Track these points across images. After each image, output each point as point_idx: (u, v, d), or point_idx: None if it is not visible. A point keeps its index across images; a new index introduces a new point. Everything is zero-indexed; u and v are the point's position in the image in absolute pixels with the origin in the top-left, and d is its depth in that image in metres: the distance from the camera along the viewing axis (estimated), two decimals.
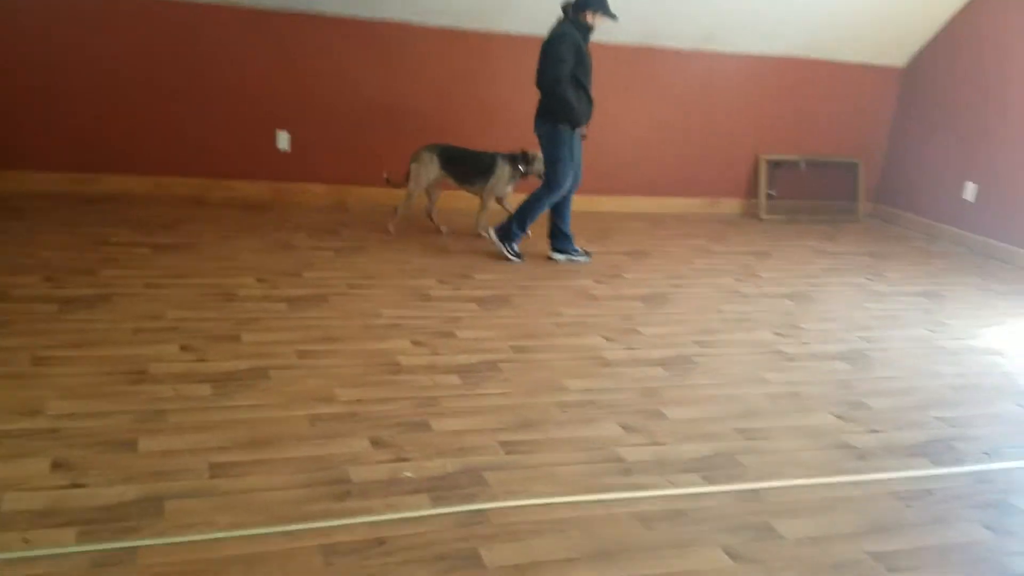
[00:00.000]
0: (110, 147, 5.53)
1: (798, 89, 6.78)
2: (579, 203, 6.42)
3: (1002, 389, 3.72)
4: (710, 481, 2.72)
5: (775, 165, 6.94)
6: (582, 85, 4.73)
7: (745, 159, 6.88)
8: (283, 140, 5.84)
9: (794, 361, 3.84)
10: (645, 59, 6.28)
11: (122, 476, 2.44)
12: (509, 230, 5.00)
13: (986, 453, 3.09)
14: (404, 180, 5.30)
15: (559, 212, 5.07)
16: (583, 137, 4.99)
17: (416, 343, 3.64)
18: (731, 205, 6.99)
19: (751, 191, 6.98)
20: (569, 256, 5.11)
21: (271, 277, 4.30)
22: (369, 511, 2.38)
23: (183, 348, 3.35)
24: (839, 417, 3.29)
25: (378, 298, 4.16)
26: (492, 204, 5.38)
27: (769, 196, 6.94)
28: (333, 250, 4.88)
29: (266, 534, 2.24)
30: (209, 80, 5.60)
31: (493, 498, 2.50)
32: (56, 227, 4.76)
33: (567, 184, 4.92)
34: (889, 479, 2.84)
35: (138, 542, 2.15)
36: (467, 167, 5.26)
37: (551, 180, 4.90)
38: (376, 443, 2.76)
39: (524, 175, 5.26)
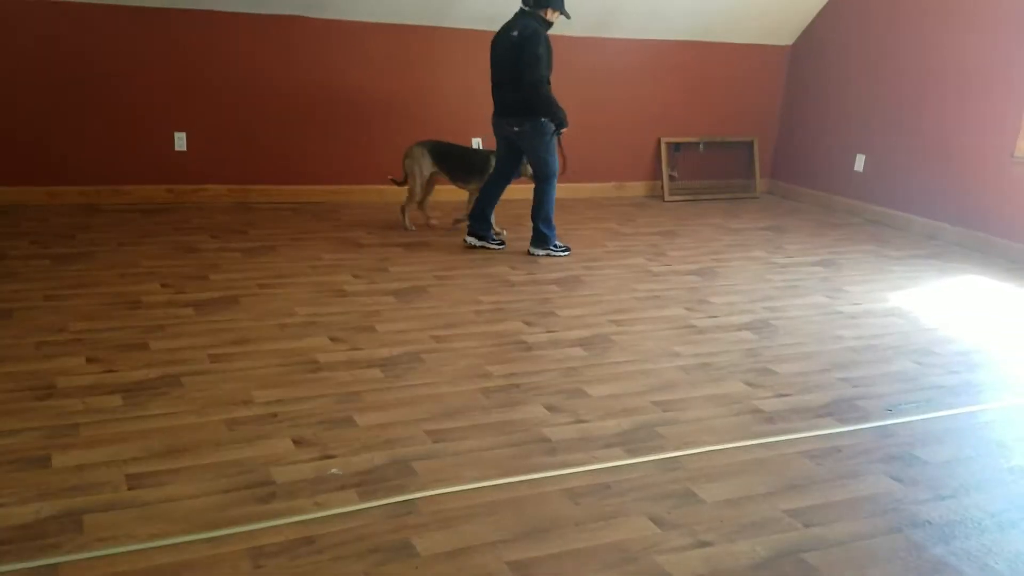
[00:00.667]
0: None
1: (693, 72, 6.98)
2: (509, 190, 6.46)
3: (899, 348, 3.93)
4: (632, 453, 2.79)
5: (676, 147, 7.13)
6: (548, 80, 4.79)
7: (647, 143, 7.04)
8: (180, 141, 5.66)
9: (704, 334, 3.97)
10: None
11: (37, 493, 2.34)
12: (541, 236, 5.02)
13: (888, 409, 3.27)
14: (405, 178, 5.31)
15: (489, 196, 5.10)
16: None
17: (334, 339, 3.60)
18: (636, 188, 7.15)
19: (655, 173, 7.15)
20: (484, 243, 5.14)
21: (176, 282, 4.18)
22: (296, 511, 2.35)
23: (89, 360, 3.22)
24: (749, 384, 3.42)
25: (291, 297, 4.09)
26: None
27: (671, 178, 7.12)
28: (240, 251, 4.78)
29: (190, 542, 2.19)
30: (99, 84, 5.38)
31: (422, 487, 2.51)
32: None
33: (557, 170, 4.96)
34: (799, 439, 2.97)
35: (59, 559, 2.08)
36: (460, 164, 5.29)
37: (544, 173, 4.94)
38: (299, 442, 2.72)
39: (517, 176, 5.25)
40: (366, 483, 2.51)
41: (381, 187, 6.22)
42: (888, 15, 6.40)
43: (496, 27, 6.09)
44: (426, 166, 5.27)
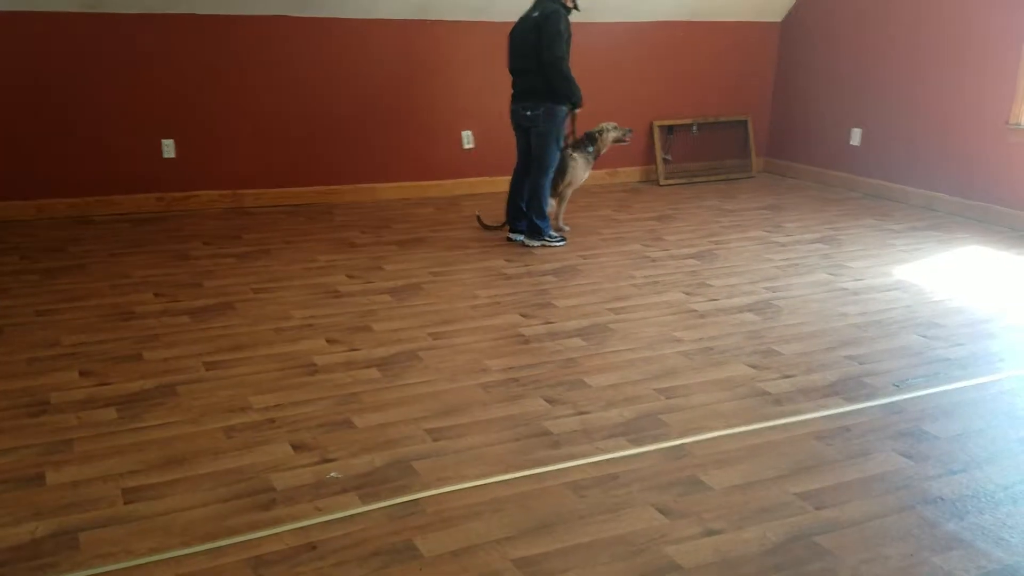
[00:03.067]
0: None
1: (683, 53, 6.90)
2: (486, 183, 6.43)
3: (904, 323, 3.88)
4: (636, 443, 2.75)
5: (668, 130, 7.06)
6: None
7: (640, 127, 6.96)
8: (168, 148, 5.61)
9: (705, 318, 3.92)
10: None
11: (32, 512, 2.30)
12: (536, 227, 4.97)
13: (896, 385, 3.22)
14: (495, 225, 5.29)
15: (519, 189, 5.05)
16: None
17: (331, 341, 3.55)
18: (630, 174, 7.08)
19: (648, 158, 7.08)
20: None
21: (169, 290, 4.13)
22: (297, 517, 2.31)
23: (83, 373, 3.18)
24: (753, 367, 3.37)
25: (287, 300, 4.04)
26: (569, 195, 5.36)
27: (666, 161, 7.06)
28: (234, 256, 4.72)
29: (189, 554, 2.15)
30: (83, 94, 5.32)
31: (424, 487, 2.47)
32: None
33: (556, 161, 4.95)
34: (807, 420, 2.93)
35: None
36: None
37: (544, 162, 4.90)
38: (298, 447, 2.68)
39: (597, 155, 5.30)
40: (367, 485, 2.47)
41: (373, 185, 6.18)
42: None
43: (481, 17, 6.06)
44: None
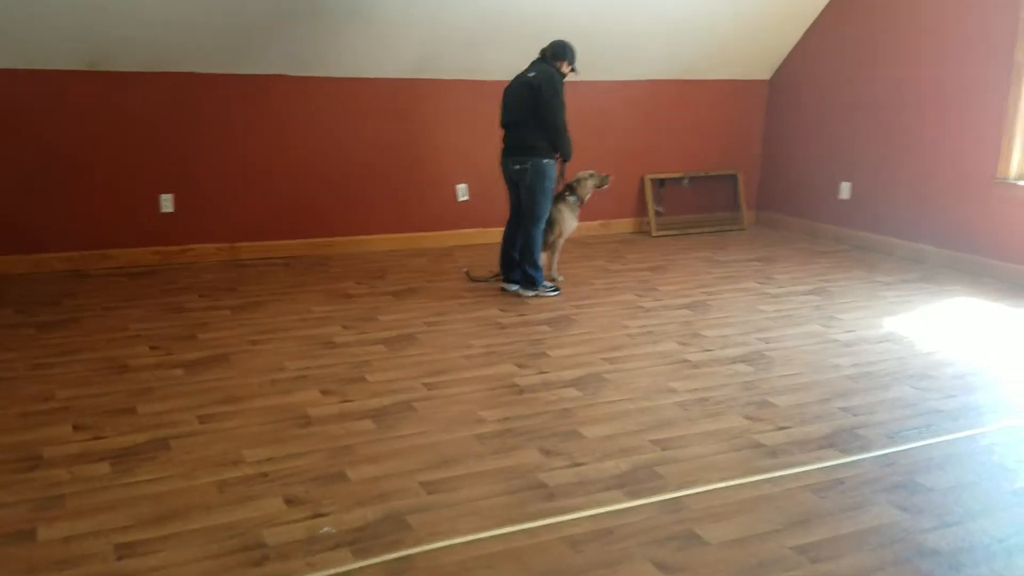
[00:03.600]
0: None
1: (674, 109, 7.03)
2: (480, 234, 6.49)
3: (897, 374, 3.90)
4: (632, 496, 2.74)
5: (660, 183, 7.16)
6: None
7: (632, 180, 7.06)
8: (166, 203, 5.66)
9: (699, 368, 3.94)
10: None
11: (24, 569, 2.28)
12: (530, 277, 5.05)
13: (889, 437, 3.23)
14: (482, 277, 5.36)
15: (512, 240, 5.14)
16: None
17: (325, 392, 3.55)
18: (623, 225, 7.16)
19: (641, 210, 7.16)
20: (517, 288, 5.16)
21: (164, 343, 4.14)
22: (289, 573, 2.29)
23: (76, 427, 3.17)
24: (748, 418, 3.38)
25: (281, 351, 4.05)
26: (561, 244, 5.43)
27: (658, 213, 7.14)
28: (229, 308, 4.74)
29: None
30: (80, 149, 5.38)
31: (418, 542, 2.45)
32: None
33: (547, 214, 5.05)
34: (802, 473, 2.93)
35: None
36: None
37: (535, 213, 5.00)
38: (290, 501, 2.66)
39: (582, 202, 5.38)
40: (360, 540, 2.45)
41: (368, 237, 6.23)
42: (864, 45, 6.48)
43: (475, 76, 6.19)
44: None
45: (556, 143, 4.90)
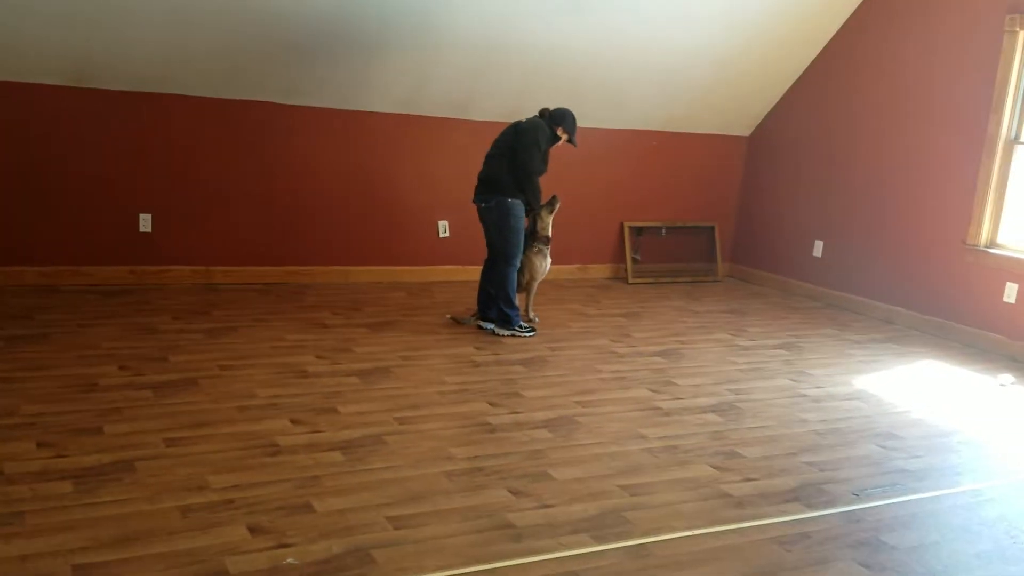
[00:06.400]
0: None
1: (655, 160, 7.15)
2: (460, 271, 6.51)
3: (863, 432, 3.95)
4: (599, 540, 2.74)
5: (638, 232, 7.25)
6: (540, 173, 5.07)
7: (611, 227, 7.15)
8: (145, 222, 5.63)
9: (670, 416, 3.96)
10: None
11: None
12: (505, 316, 5.08)
13: (855, 494, 3.26)
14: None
15: (489, 280, 5.17)
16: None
17: (295, 422, 3.53)
18: (600, 270, 7.22)
19: (618, 256, 7.24)
20: (487, 325, 5.20)
21: (134, 364, 4.09)
22: None
23: (40, 444, 3.11)
24: (716, 468, 3.40)
25: (252, 378, 4.02)
26: (535, 287, 5.46)
27: (635, 260, 7.22)
28: (202, 332, 4.70)
29: None
30: (61, 165, 5.35)
31: None
32: None
33: (519, 252, 5.10)
34: (768, 525, 2.94)
35: None
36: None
37: (506, 252, 5.05)
38: (255, 530, 2.63)
39: (547, 241, 5.38)
40: (324, 573, 2.43)
41: (347, 268, 6.23)
42: (841, 108, 6.66)
43: (462, 115, 6.27)
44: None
45: (523, 185, 4.97)
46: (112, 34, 4.98)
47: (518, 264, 5.13)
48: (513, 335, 5.07)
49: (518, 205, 5.02)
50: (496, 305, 5.11)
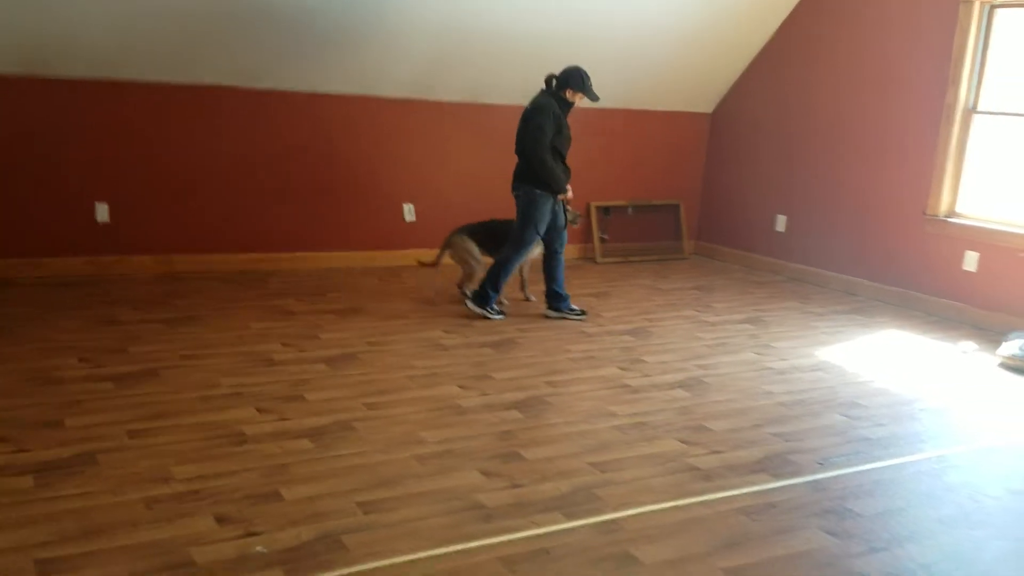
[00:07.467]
0: None
1: (620, 138, 7.15)
2: (423, 256, 6.46)
3: (827, 403, 4.00)
4: (570, 517, 2.74)
5: (605, 211, 7.25)
6: (559, 153, 4.92)
7: (577, 207, 7.14)
8: (102, 212, 5.52)
9: (639, 393, 3.98)
10: (471, 115, 6.44)
11: None
12: (484, 294, 5.05)
13: (820, 463, 3.30)
14: (436, 261, 5.39)
15: (551, 274, 5.20)
16: (568, 204, 5.23)
17: (261, 410, 3.49)
18: (569, 251, 7.17)
19: (586, 236, 7.24)
20: (562, 313, 5.21)
21: (94, 355, 4.02)
22: None
23: (0, 439, 3.05)
24: (683, 442, 3.42)
25: (216, 368, 3.96)
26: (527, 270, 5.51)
27: (602, 240, 7.23)
28: (163, 322, 4.63)
29: None
30: (13, 155, 5.22)
31: (353, 562, 2.41)
32: None
33: (532, 244, 5.05)
34: (734, 496, 2.97)
35: None
36: (496, 239, 5.28)
37: (519, 240, 5.01)
38: (222, 520, 2.60)
39: (560, 238, 5.29)
40: (292, 560, 2.41)
41: (311, 254, 6.16)
42: (803, 83, 6.70)
43: (423, 94, 6.21)
44: (474, 249, 5.32)
45: (537, 173, 4.87)
46: (62, 19, 4.85)
47: (524, 256, 5.10)
48: (484, 316, 5.05)
49: (544, 196, 4.93)
50: (485, 280, 5.08)
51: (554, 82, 4.91)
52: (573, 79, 4.86)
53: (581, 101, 4.97)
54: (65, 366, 3.85)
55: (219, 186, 5.80)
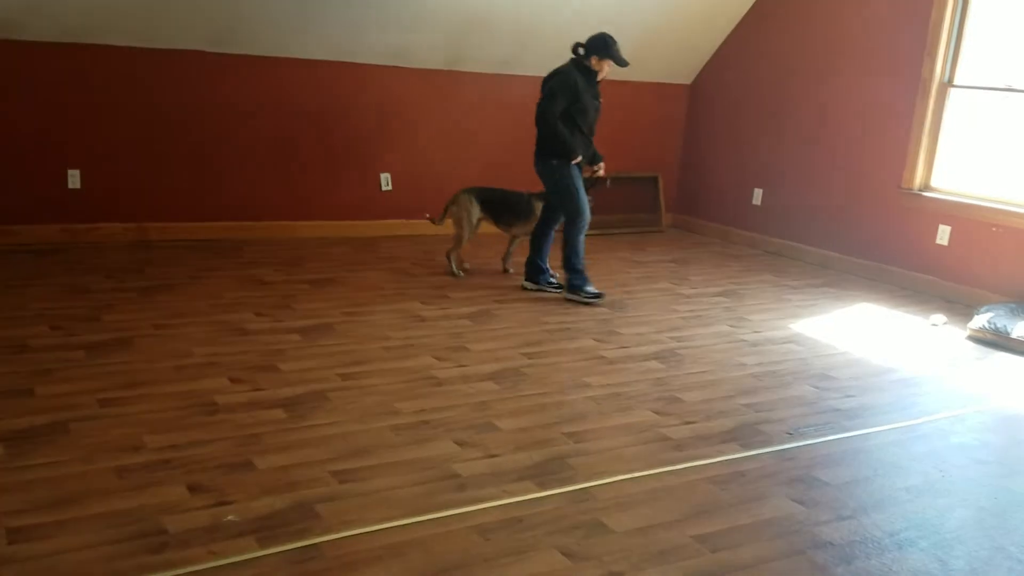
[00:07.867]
0: None
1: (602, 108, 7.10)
2: (400, 226, 6.43)
3: (798, 374, 4.05)
4: (543, 486, 2.77)
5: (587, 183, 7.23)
6: (576, 123, 4.84)
7: None
8: (74, 179, 5.43)
9: (614, 364, 4.01)
10: (449, 83, 6.38)
11: None
12: (571, 282, 5.00)
13: (789, 433, 3.35)
14: (442, 217, 5.35)
15: (536, 244, 5.18)
16: (598, 178, 5.22)
17: (234, 380, 3.47)
18: None
19: None
20: (539, 287, 5.20)
21: (66, 323, 3.98)
22: (189, 561, 2.23)
23: None
24: (657, 413, 3.46)
25: (189, 337, 3.94)
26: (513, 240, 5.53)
27: None
28: (136, 290, 4.59)
29: None
30: None
31: (326, 531, 2.43)
32: None
33: (585, 211, 4.97)
34: (705, 465, 3.01)
35: None
36: (504, 208, 5.31)
37: (571, 213, 4.97)
38: (194, 489, 2.60)
39: (544, 198, 5.30)
40: (265, 528, 2.41)
41: (286, 223, 6.12)
42: (781, 55, 6.69)
43: (400, 62, 6.15)
44: (475, 212, 5.28)
45: (548, 141, 4.82)
46: None
47: (582, 225, 4.97)
48: (585, 303, 4.95)
49: (563, 164, 4.86)
50: (566, 270, 5.04)
51: (581, 50, 4.83)
52: (599, 46, 4.76)
53: (609, 68, 4.87)
54: (36, 334, 3.82)
55: (193, 153, 5.73)
